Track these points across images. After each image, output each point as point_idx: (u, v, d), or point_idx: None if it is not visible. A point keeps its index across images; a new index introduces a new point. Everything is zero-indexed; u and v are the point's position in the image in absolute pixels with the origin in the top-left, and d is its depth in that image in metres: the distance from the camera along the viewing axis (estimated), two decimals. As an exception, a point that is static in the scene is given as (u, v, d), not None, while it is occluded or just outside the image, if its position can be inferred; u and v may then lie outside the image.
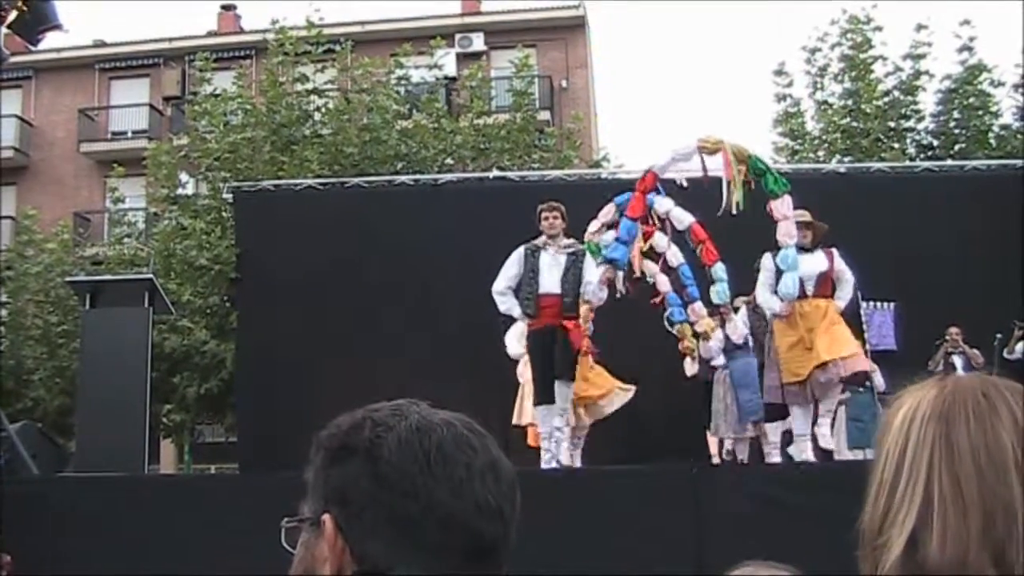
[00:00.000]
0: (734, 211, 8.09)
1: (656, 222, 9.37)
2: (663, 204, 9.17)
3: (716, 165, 8.37)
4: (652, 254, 9.88)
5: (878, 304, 11.38)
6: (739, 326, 9.68)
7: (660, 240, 9.64)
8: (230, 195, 14.21)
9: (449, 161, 19.05)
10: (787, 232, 8.07)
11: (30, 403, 19.13)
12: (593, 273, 8.38)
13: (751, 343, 9.66)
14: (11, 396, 18.34)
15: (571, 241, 8.58)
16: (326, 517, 1.10)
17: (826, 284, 8.30)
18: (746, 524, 6.93)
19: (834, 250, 8.45)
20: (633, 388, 9.33)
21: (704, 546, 6.99)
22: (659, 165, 8.56)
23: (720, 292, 9.29)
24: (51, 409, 19.05)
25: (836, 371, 7.99)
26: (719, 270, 9.18)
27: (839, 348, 8.00)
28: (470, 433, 1.14)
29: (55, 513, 7.33)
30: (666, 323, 10.32)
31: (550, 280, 8.31)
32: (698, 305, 9.99)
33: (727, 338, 9.94)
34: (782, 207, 8.08)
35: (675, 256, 9.83)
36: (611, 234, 9.03)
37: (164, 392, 16.90)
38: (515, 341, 8.95)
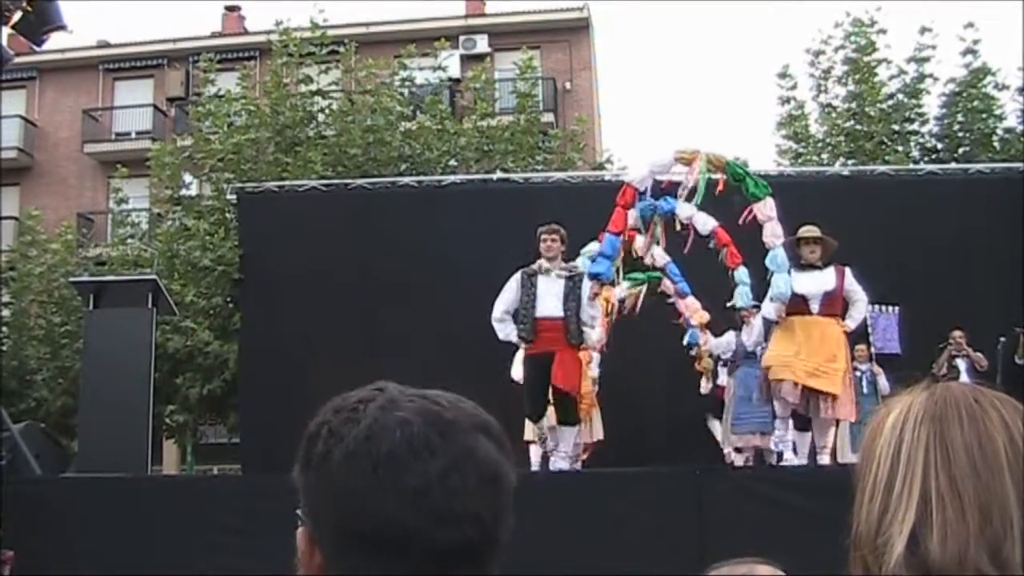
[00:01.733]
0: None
1: (678, 227, 9.40)
2: (686, 210, 9.16)
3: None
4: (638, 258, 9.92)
5: (882, 307, 11.38)
6: (755, 332, 9.62)
7: (640, 242, 9.66)
8: (234, 196, 14.21)
9: (453, 163, 19.05)
10: (773, 233, 8.04)
11: (33, 403, 19.13)
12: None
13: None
14: (14, 396, 18.35)
15: (570, 264, 8.54)
16: (300, 530, 1.07)
17: (834, 303, 8.15)
18: (749, 526, 6.92)
19: (847, 268, 8.27)
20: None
21: (707, 548, 6.98)
22: (637, 178, 8.47)
23: (743, 295, 9.26)
24: (54, 409, 19.05)
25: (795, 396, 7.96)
26: (742, 274, 9.20)
27: (816, 379, 7.91)
28: (431, 429, 1.02)
29: (57, 513, 7.34)
30: (685, 346, 10.45)
31: (549, 304, 8.21)
32: (691, 300, 10.06)
33: (742, 344, 9.98)
34: (765, 209, 8.07)
35: (660, 256, 9.86)
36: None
37: (167, 393, 16.90)
38: (520, 367, 8.91)
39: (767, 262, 8.07)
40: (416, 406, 1.05)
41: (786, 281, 7.93)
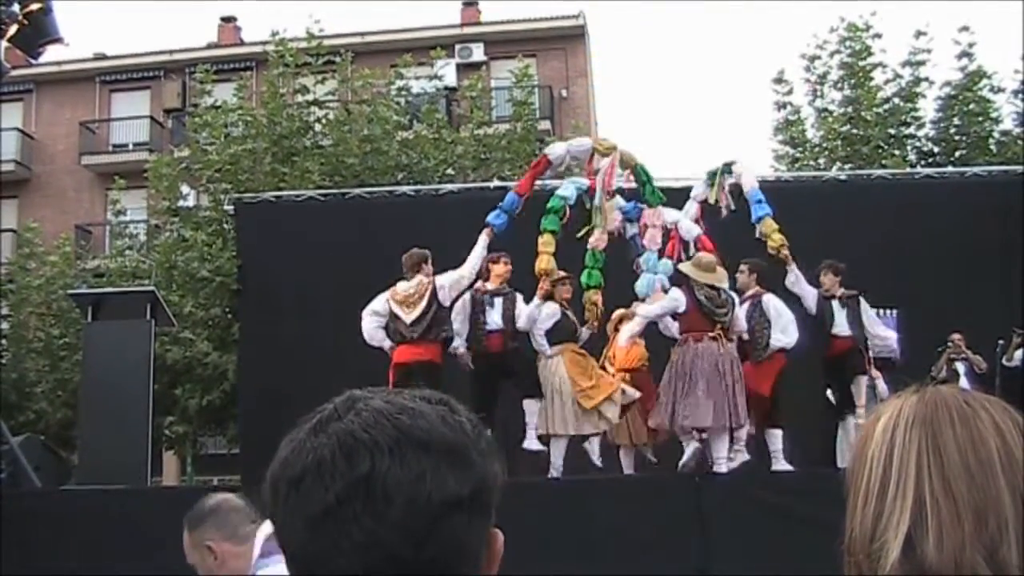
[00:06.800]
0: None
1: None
2: (671, 215, 9.27)
3: (603, 166, 9.18)
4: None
5: (881, 311, 11.37)
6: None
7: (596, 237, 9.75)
8: (231, 207, 14.22)
9: (450, 171, 19.08)
10: (652, 239, 8.80)
11: (33, 416, 19.13)
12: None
13: None
14: (14, 409, 18.33)
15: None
16: None
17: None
18: (749, 532, 6.92)
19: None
20: None
21: (709, 554, 6.98)
22: (555, 155, 9.42)
23: None
24: (53, 422, 19.05)
25: None
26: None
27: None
28: (339, 452, 0.99)
29: (58, 525, 7.33)
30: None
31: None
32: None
33: None
34: (653, 216, 8.87)
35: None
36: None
37: (166, 404, 16.88)
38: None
39: (641, 260, 8.79)
40: (343, 427, 1.01)
41: (650, 281, 8.53)
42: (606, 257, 9.63)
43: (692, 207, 9.77)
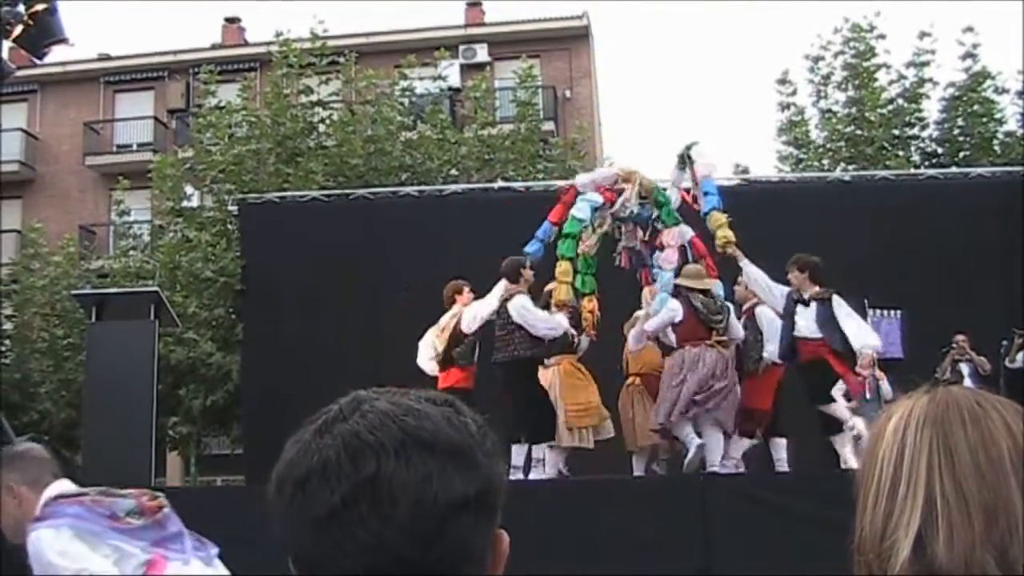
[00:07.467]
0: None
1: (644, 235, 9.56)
2: (688, 234, 9.28)
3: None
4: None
5: (884, 312, 11.35)
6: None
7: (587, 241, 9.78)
8: (235, 207, 14.22)
9: (454, 172, 19.08)
10: (667, 259, 8.82)
11: (36, 416, 19.15)
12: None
13: None
14: (17, 409, 18.36)
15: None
16: None
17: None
18: (753, 532, 6.92)
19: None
20: None
21: (711, 553, 6.98)
22: (581, 183, 9.39)
23: None
24: (57, 422, 19.07)
25: None
26: (716, 288, 9.20)
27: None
28: (344, 454, 0.98)
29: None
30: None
31: None
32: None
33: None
34: (668, 237, 8.94)
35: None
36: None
37: (170, 404, 16.89)
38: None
39: (657, 283, 8.81)
40: (348, 428, 1.00)
41: (662, 300, 8.49)
42: (598, 262, 9.63)
43: (674, 194, 9.67)
